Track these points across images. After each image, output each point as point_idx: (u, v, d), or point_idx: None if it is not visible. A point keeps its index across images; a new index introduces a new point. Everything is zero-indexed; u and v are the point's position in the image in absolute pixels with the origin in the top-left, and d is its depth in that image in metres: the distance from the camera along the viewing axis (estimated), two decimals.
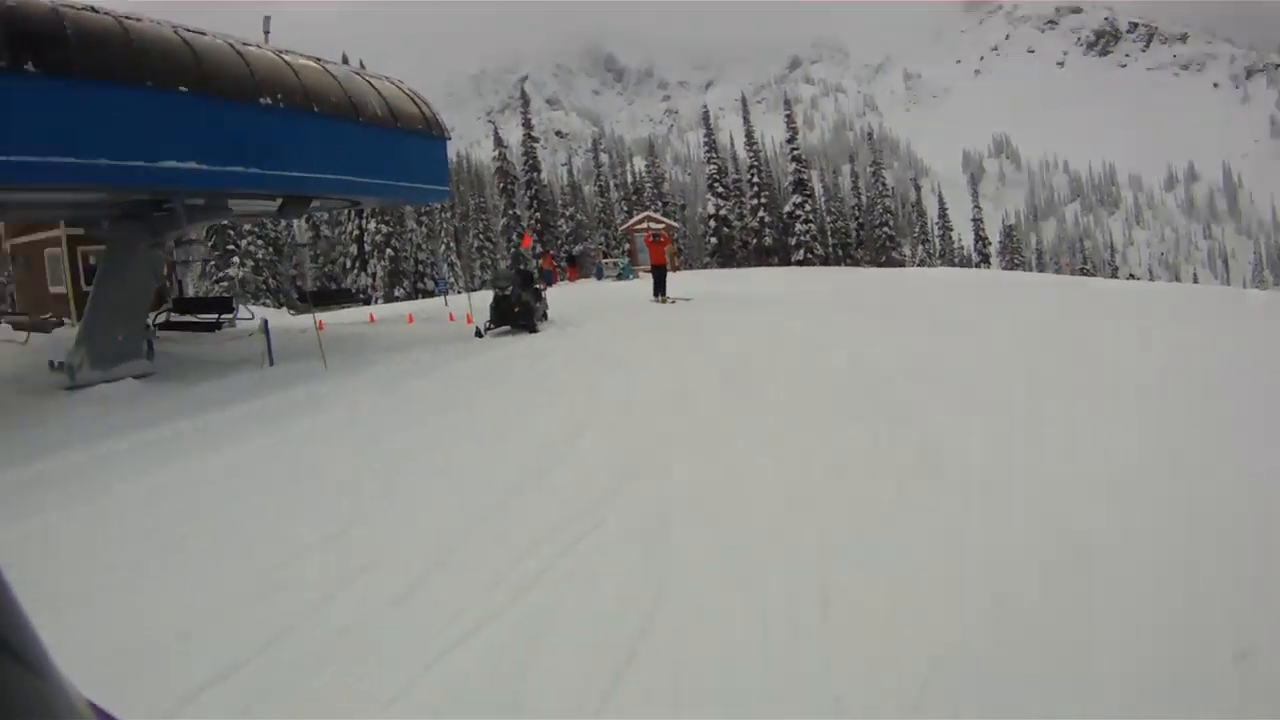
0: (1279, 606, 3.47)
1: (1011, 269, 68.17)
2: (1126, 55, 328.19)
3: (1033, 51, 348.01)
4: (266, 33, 14.98)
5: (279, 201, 14.59)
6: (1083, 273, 77.64)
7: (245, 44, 13.35)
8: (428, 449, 7.07)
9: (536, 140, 62.54)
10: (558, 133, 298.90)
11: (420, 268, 52.52)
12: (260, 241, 49.71)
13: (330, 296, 30.75)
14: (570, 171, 79.49)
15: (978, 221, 68.78)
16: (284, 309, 35.50)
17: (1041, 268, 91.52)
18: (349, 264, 51.01)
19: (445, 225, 58.20)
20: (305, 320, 18.12)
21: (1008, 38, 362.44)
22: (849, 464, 5.64)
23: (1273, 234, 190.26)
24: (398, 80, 17.35)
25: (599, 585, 3.97)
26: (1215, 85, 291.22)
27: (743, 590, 3.80)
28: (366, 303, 24.66)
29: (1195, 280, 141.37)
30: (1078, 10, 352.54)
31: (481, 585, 4.04)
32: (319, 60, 15.14)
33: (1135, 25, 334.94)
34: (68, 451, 7.74)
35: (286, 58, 13.96)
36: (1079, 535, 4.16)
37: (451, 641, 3.51)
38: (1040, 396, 7.41)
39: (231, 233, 46.93)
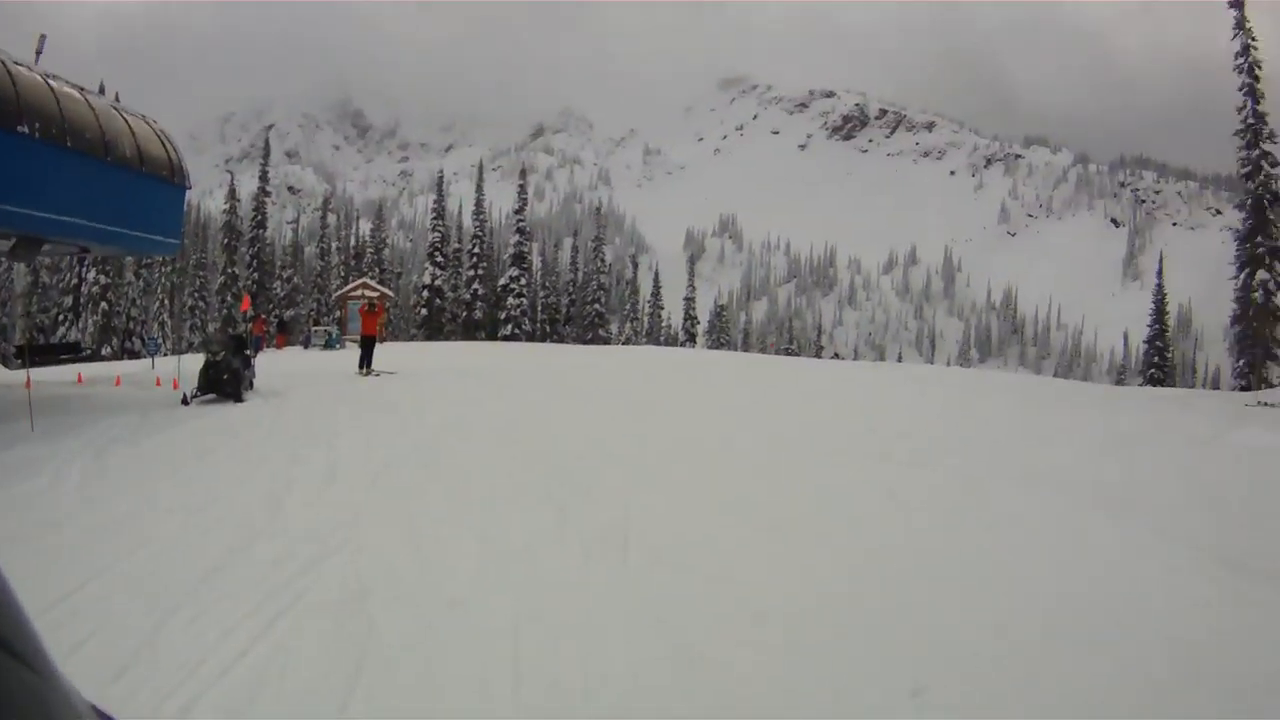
0: (946, 643, 4.46)
1: (717, 348, 70.60)
2: (870, 141, 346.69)
3: (777, 133, 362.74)
4: (39, 53, 14.04)
5: (12, 242, 13.50)
6: (786, 352, 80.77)
7: (17, 63, 12.30)
8: (134, 519, 7.14)
9: (269, 195, 60.84)
10: (290, 188, 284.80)
11: (131, 324, 49.32)
12: None
13: (51, 351, 29.04)
14: (296, 230, 77.22)
15: (689, 300, 70.35)
16: None
17: (746, 346, 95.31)
18: (61, 316, 46.83)
19: (163, 280, 55.09)
20: (15, 377, 16.87)
21: (755, 118, 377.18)
22: (535, 542, 6.36)
23: (984, 315, 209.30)
24: (152, 119, 16.51)
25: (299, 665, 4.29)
26: (952, 173, 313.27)
27: (430, 664, 4.30)
28: (90, 359, 23.71)
29: (899, 359, 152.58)
30: (830, 94, 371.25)
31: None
32: (83, 90, 14.15)
33: (884, 112, 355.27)
34: None
35: (53, 83, 13.03)
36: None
37: None
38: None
39: None
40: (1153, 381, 53.06)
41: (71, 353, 24.55)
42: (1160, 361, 55.74)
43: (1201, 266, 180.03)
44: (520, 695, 3.97)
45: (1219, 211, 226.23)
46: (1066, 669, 4.19)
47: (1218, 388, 69.82)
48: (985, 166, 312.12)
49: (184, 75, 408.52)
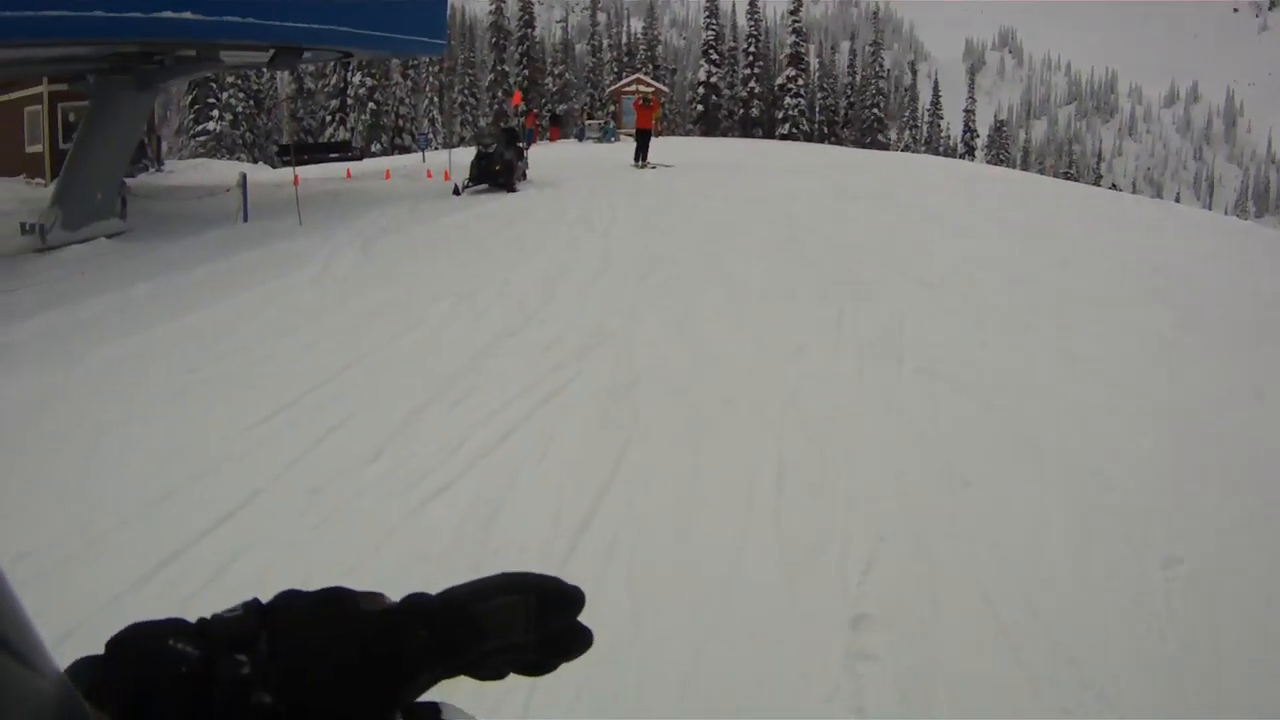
0: None
1: (996, 164, 67.43)
2: None
3: None
4: None
5: (271, 53, 13.95)
6: (1066, 177, 76.94)
7: None
8: (401, 304, 7.33)
9: None
10: None
11: (400, 123, 50.45)
12: (241, 95, 47.47)
13: (319, 149, 29.18)
14: (565, 29, 75.98)
15: (969, 113, 67.77)
16: (259, 164, 34.40)
17: (1026, 167, 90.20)
18: (328, 118, 48.98)
19: (431, 79, 55.82)
20: (284, 175, 17.79)
21: None
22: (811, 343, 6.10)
23: (1264, 166, 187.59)
24: None
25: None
26: (1235, 10, 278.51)
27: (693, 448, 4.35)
28: (358, 158, 23.84)
29: (1178, 200, 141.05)
30: None
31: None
32: None
33: None
34: (39, 317, 7.54)
35: None
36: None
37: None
38: None
39: (214, 85, 44.94)
40: None
41: (340, 151, 24.39)
42: None
43: None
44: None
45: None
46: None
47: None
48: (1270, 7, 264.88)
49: None
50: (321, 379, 5.47)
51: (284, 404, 5.09)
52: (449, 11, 20.76)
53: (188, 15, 10.97)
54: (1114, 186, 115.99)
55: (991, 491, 4.01)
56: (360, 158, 24.17)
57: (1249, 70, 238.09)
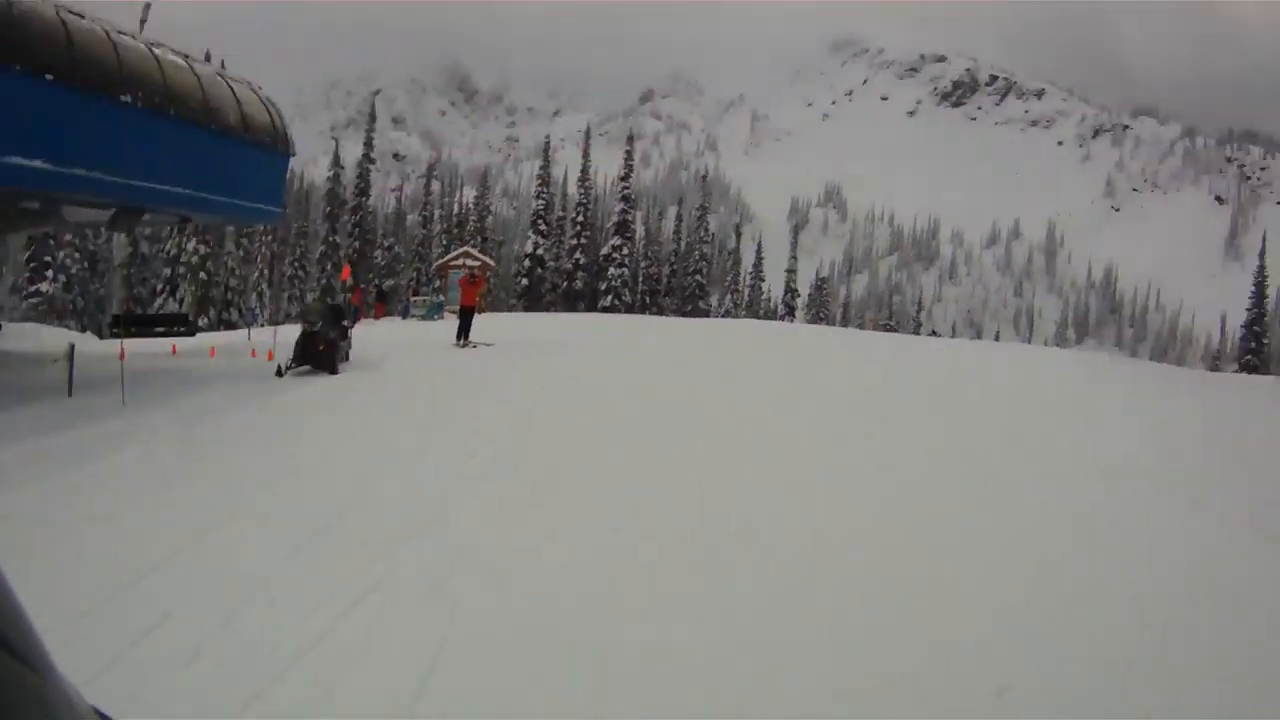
0: None
1: (816, 322, 69.38)
2: (979, 108, 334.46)
3: (886, 99, 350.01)
4: (143, 21, 14.13)
5: (113, 211, 13.62)
6: (885, 328, 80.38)
7: (121, 32, 12.52)
8: (217, 492, 7.26)
9: (373, 162, 61.29)
10: (396, 155, 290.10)
11: (230, 295, 49.59)
12: (77, 254, 45.89)
13: (150, 322, 27.95)
14: (399, 198, 77.74)
15: (791, 273, 69.22)
16: (88, 333, 33.75)
17: (846, 322, 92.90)
18: (160, 286, 47.29)
19: (263, 249, 55.40)
20: (111, 348, 17.09)
21: (865, 82, 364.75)
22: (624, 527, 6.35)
23: (1084, 294, 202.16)
24: (257, 86, 16.50)
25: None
26: (1060, 143, 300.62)
27: None
28: (189, 333, 24.01)
29: (997, 337, 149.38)
30: (941, 59, 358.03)
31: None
32: (187, 57, 14.35)
33: (995, 78, 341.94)
34: None
35: (157, 52, 13.15)
36: None
37: None
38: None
39: (51, 242, 43.46)
40: (1247, 368, 50.44)
41: (170, 324, 24.53)
42: (1257, 347, 53.24)
43: None
44: None
45: None
46: None
47: None
48: (1093, 137, 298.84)
49: (291, 42, 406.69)
50: (133, 576, 5.21)
51: (97, 601, 4.83)
52: (288, 177, 20.74)
53: (39, 164, 10.83)
54: (933, 332, 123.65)
55: None
56: (191, 333, 24.45)
57: (1071, 201, 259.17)
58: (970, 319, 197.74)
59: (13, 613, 0.36)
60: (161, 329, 23.27)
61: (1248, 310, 54.55)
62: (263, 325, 38.15)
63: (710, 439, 9.49)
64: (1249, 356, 52.87)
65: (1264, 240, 61.44)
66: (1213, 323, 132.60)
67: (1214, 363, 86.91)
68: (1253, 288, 54.49)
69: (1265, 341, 55.03)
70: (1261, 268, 54.36)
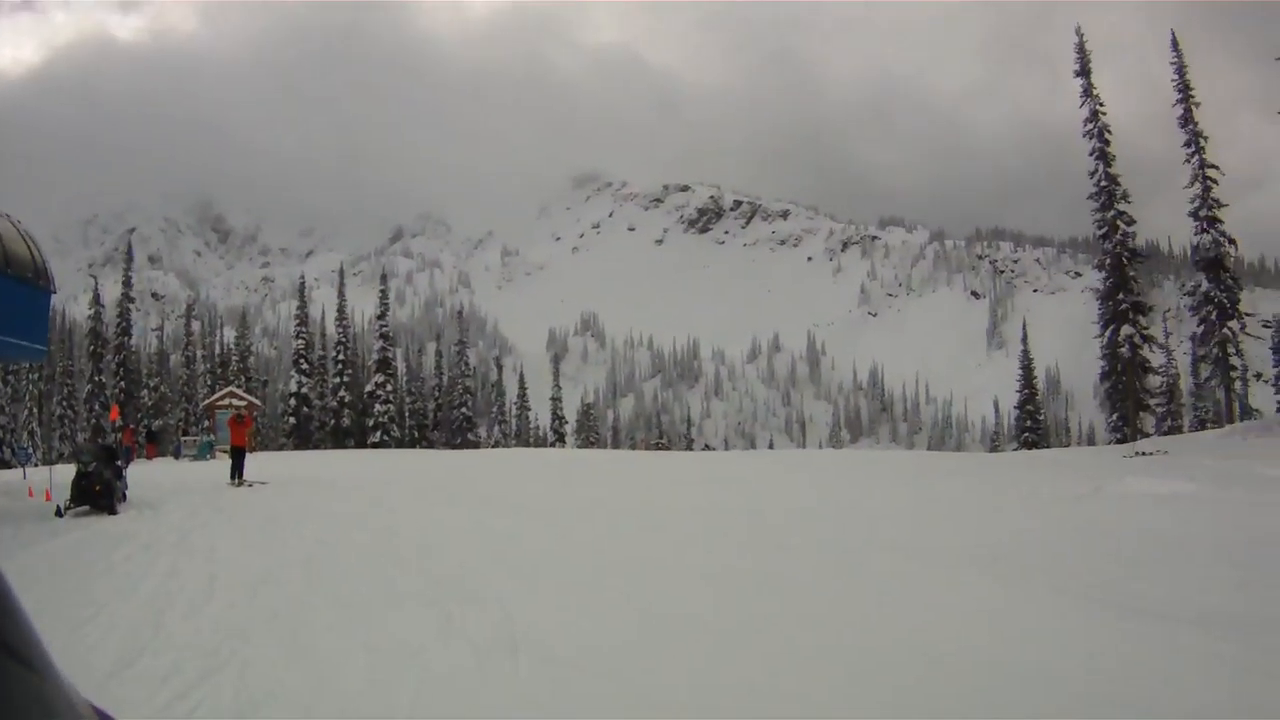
0: None
1: (586, 447, 71.73)
2: (726, 232, 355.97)
3: (634, 229, 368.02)
4: None
5: None
6: (658, 447, 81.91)
7: None
8: None
9: (133, 301, 59.79)
10: (154, 294, 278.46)
11: (1, 434, 48.59)
12: None
13: None
14: (161, 338, 75.03)
15: (556, 400, 71.77)
16: None
17: (617, 444, 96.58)
18: None
19: (31, 387, 53.95)
20: None
21: (611, 215, 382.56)
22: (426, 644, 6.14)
23: (852, 396, 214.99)
24: (16, 219, 15.85)
25: None
26: (810, 259, 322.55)
27: None
28: None
29: (770, 445, 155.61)
30: (685, 188, 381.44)
31: None
32: None
33: (739, 203, 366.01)
34: None
35: None
36: None
37: None
38: None
39: None
40: (1027, 445, 54.03)
41: None
42: (1033, 425, 57.43)
43: (1065, 329, 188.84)
44: None
45: (1078, 274, 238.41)
46: None
47: (1093, 444, 71.29)
48: (842, 250, 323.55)
49: (46, 176, 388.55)
50: None
51: None
52: (50, 314, 20.17)
53: None
54: (707, 447, 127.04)
55: None
56: None
57: (827, 311, 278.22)
58: (742, 430, 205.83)
59: (13, 615, 0.36)
60: None
61: (1018, 392, 58.44)
62: (36, 465, 36.68)
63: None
64: (1026, 434, 56.72)
65: (1024, 326, 67.92)
66: (987, 407, 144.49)
67: (992, 443, 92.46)
68: (1019, 370, 58.68)
69: (1040, 418, 59.53)
70: (1025, 351, 58.87)
